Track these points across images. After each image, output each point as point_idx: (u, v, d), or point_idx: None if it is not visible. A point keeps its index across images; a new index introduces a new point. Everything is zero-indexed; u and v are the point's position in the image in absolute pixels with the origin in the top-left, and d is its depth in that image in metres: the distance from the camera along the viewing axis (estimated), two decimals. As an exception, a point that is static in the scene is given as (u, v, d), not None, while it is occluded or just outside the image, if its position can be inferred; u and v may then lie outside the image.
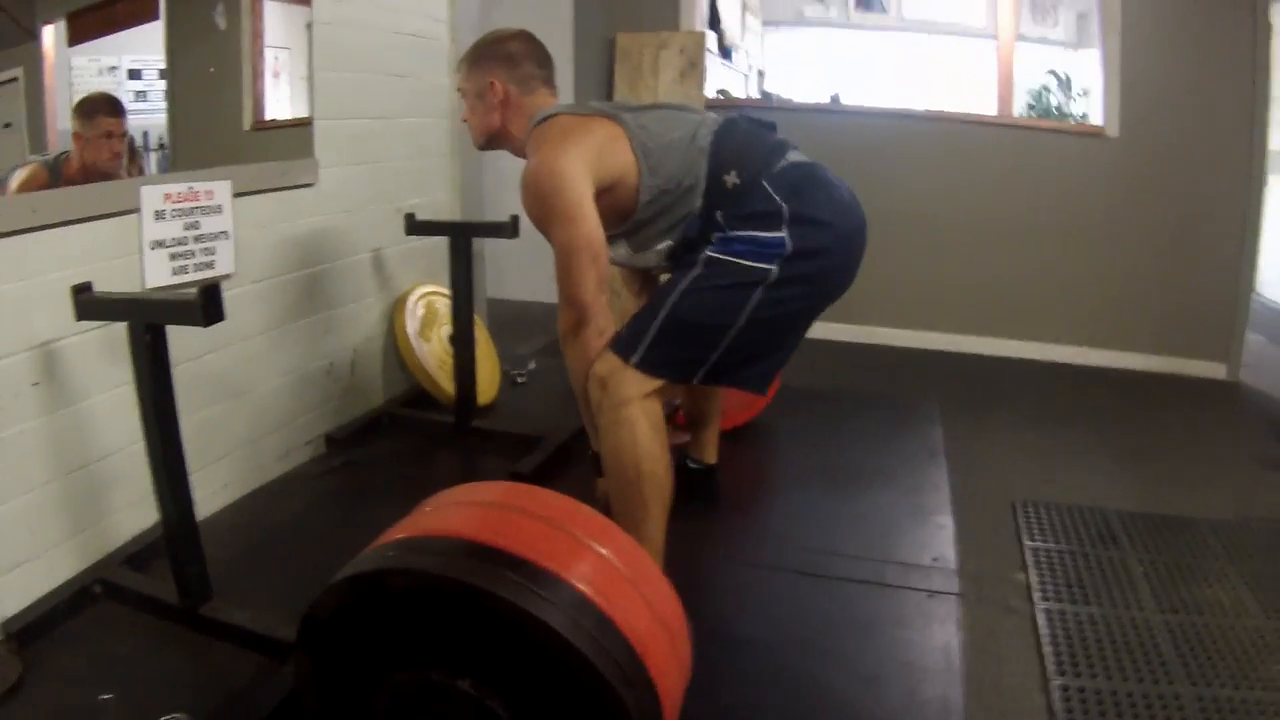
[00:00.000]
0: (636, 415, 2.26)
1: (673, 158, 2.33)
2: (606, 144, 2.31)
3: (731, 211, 2.31)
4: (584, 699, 1.42)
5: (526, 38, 2.56)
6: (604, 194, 2.28)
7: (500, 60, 2.50)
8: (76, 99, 2.39)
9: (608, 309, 2.29)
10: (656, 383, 2.29)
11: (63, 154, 2.33)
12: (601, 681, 1.39)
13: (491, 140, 2.58)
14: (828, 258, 2.32)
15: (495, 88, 2.49)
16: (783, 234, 2.26)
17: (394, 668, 1.55)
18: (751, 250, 2.27)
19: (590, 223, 2.22)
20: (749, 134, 2.43)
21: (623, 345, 2.29)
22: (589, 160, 2.25)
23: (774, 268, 2.25)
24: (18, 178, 2.24)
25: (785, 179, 2.32)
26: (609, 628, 1.44)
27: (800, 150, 2.44)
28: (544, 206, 2.23)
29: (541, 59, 2.55)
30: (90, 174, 2.38)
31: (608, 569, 1.54)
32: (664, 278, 2.53)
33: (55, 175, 2.30)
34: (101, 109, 2.42)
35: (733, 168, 2.32)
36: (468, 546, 1.48)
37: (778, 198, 2.29)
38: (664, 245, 2.44)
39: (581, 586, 1.45)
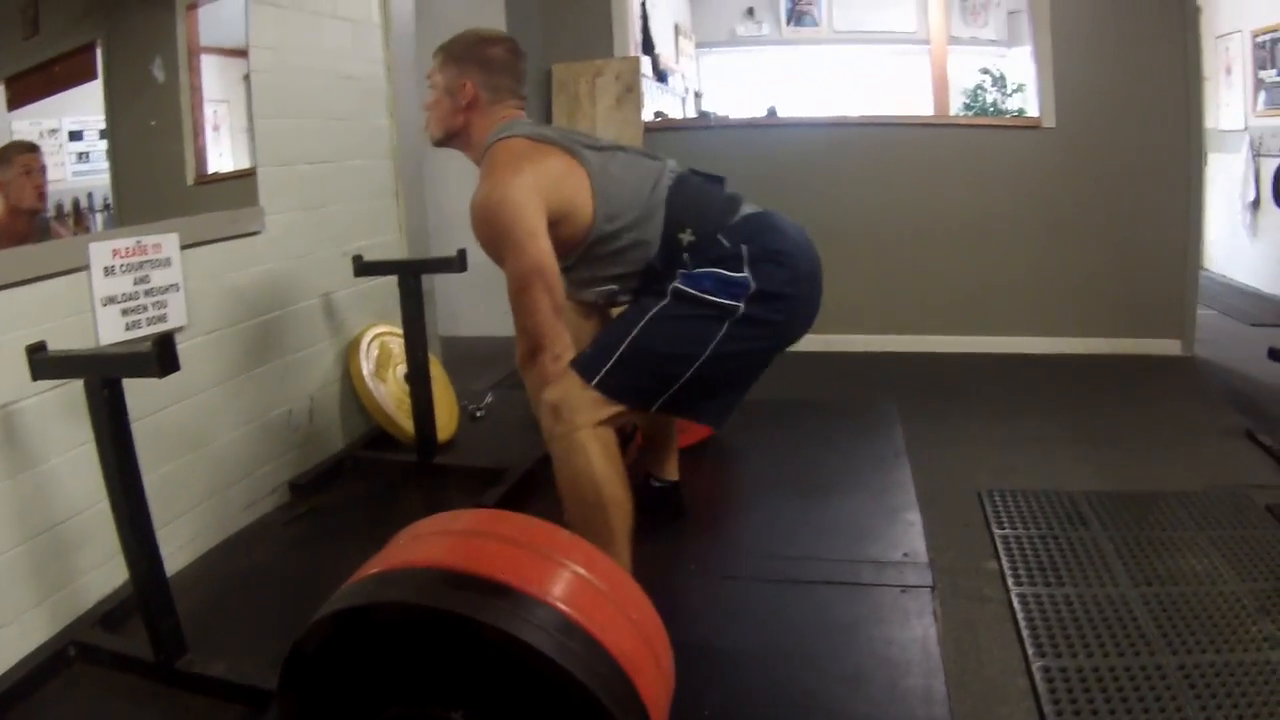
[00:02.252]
0: (588, 440, 2.24)
1: (632, 207, 2.33)
2: (562, 176, 2.30)
3: (692, 258, 2.33)
4: None
5: (511, 47, 2.51)
6: (553, 226, 2.26)
7: (479, 64, 2.44)
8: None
9: (565, 334, 2.28)
10: (611, 409, 2.27)
11: None
12: (593, 703, 1.37)
13: (449, 138, 2.52)
14: (789, 298, 2.34)
15: (466, 89, 2.43)
16: (746, 274, 2.28)
17: (382, 705, 1.52)
18: (718, 286, 2.28)
19: (543, 251, 2.20)
20: (701, 191, 2.44)
21: (583, 367, 2.27)
22: (542, 188, 2.24)
23: (740, 304, 2.26)
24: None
25: (740, 231, 2.33)
26: (596, 648, 1.43)
27: (751, 202, 2.45)
28: (496, 235, 2.22)
29: (519, 73, 2.51)
30: (17, 216, 2.37)
31: (589, 590, 1.53)
32: (616, 312, 2.53)
33: (-14, 232, 2.29)
34: (14, 149, 2.40)
35: (688, 225, 2.33)
36: (450, 576, 1.47)
37: (735, 245, 2.30)
38: (606, 289, 2.45)
39: (566, 609, 1.44)
